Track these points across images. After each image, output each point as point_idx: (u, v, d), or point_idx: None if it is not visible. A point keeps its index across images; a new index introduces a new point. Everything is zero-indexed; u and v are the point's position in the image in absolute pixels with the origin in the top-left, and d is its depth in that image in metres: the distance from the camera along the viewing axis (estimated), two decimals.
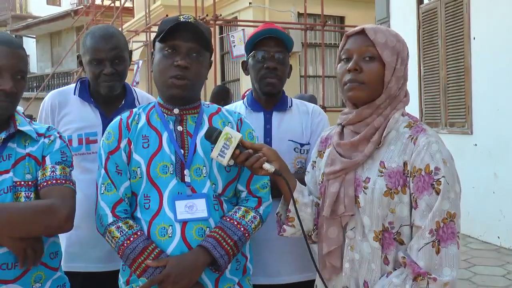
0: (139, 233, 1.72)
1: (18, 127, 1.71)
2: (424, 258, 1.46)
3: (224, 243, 1.71)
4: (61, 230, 1.68)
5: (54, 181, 1.67)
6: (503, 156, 5.65)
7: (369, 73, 1.57)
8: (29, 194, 1.66)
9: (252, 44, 2.19)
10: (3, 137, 1.68)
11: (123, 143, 1.80)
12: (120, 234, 1.72)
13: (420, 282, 1.45)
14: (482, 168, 5.92)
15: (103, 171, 1.81)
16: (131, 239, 1.70)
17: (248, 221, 1.79)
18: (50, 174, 1.68)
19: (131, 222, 1.75)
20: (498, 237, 5.79)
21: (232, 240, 1.73)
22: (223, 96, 5.76)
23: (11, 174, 1.66)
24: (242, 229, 1.76)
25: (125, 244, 1.70)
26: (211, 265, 1.73)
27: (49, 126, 1.82)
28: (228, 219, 1.77)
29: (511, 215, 5.59)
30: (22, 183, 1.66)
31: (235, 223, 1.77)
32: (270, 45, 2.16)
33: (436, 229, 1.46)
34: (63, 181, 1.68)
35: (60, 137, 1.79)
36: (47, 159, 1.71)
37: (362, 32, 1.60)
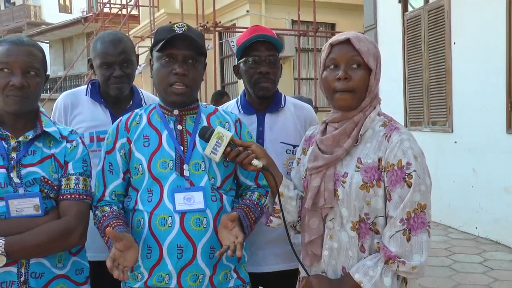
0: (107, 215, 1.75)
1: (44, 128, 1.72)
2: (395, 244, 1.49)
3: (249, 216, 1.75)
4: (76, 246, 1.75)
5: (77, 196, 1.71)
6: (481, 153, 5.66)
7: (358, 80, 1.58)
8: (49, 193, 1.69)
9: (243, 49, 2.09)
10: (30, 136, 1.70)
11: (119, 144, 1.81)
12: (95, 220, 1.78)
13: (391, 264, 1.49)
14: (462, 164, 5.93)
15: (98, 167, 1.83)
16: (101, 221, 1.75)
17: (263, 204, 1.82)
18: (75, 186, 1.72)
19: (106, 208, 1.78)
20: (476, 228, 5.81)
21: (254, 216, 1.77)
22: (214, 98, 6.60)
23: (37, 169, 1.68)
24: (259, 209, 1.80)
25: (98, 228, 1.76)
26: None
27: (72, 130, 1.82)
28: (247, 200, 1.81)
29: (488, 207, 5.60)
30: (49, 181, 1.69)
31: (255, 203, 1.80)
32: (260, 49, 2.07)
33: (407, 218, 1.48)
34: (84, 196, 1.73)
35: (83, 142, 1.80)
36: (70, 166, 1.73)
37: (347, 41, 1.59)
